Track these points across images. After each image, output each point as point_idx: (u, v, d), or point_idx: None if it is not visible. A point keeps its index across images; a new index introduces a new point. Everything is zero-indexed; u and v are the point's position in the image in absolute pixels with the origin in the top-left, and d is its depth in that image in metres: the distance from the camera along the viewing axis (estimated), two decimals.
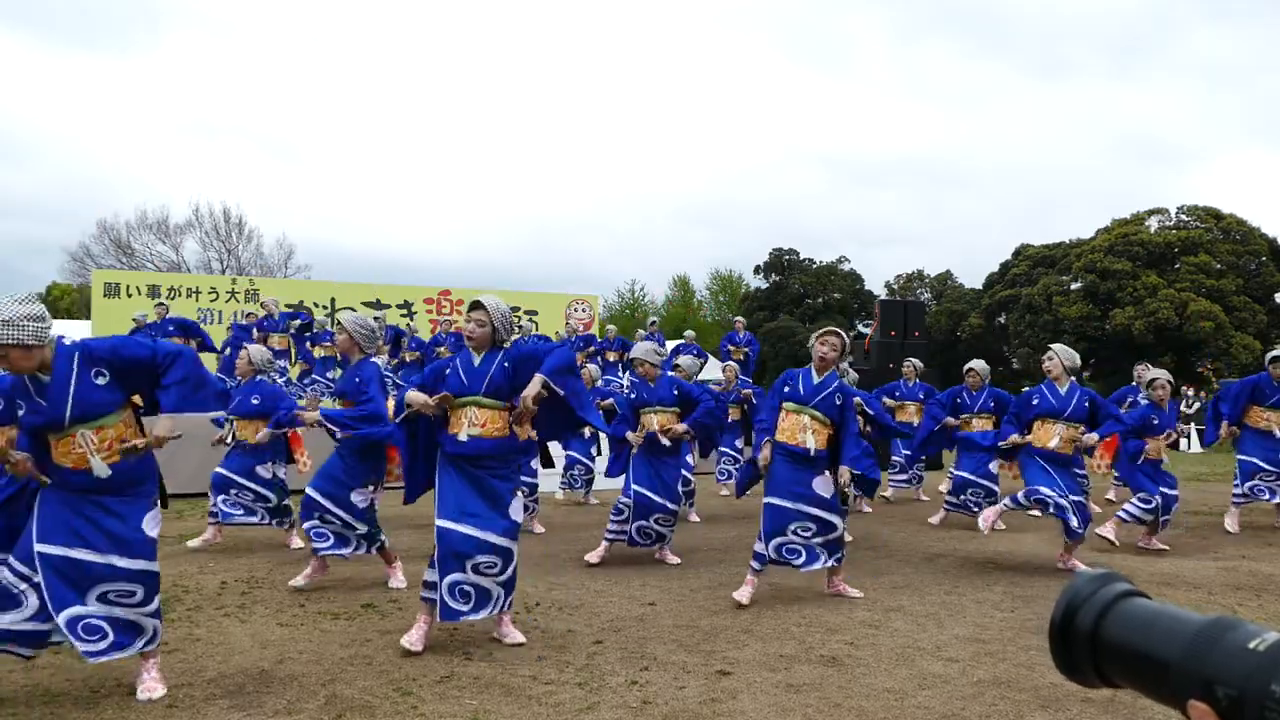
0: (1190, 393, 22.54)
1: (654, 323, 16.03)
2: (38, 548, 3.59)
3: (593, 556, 6.67)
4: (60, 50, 53.44)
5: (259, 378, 7.13)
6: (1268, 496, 8.39)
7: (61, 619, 3.56)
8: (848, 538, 7.91)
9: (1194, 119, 63.86)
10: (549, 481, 10.52)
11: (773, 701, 3.78)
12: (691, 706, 3.72)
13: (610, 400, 7.50)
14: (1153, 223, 36.42)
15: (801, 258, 46.15)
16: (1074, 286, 35.91)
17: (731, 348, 14.36)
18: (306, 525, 5.67)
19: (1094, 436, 6.48)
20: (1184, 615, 0.69)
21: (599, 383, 10.04)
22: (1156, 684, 0.68)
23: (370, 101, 62.12)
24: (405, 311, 16.56)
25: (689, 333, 15.29)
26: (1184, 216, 36.29)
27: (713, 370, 14.28)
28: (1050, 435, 6.45)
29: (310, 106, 60.44)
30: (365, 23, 62.97)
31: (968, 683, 4.04)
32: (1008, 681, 4.06)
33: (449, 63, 68.23)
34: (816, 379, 5.60)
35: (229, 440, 7.04)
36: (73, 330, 13.31)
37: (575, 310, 18.13)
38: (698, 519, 9.01)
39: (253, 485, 6.98)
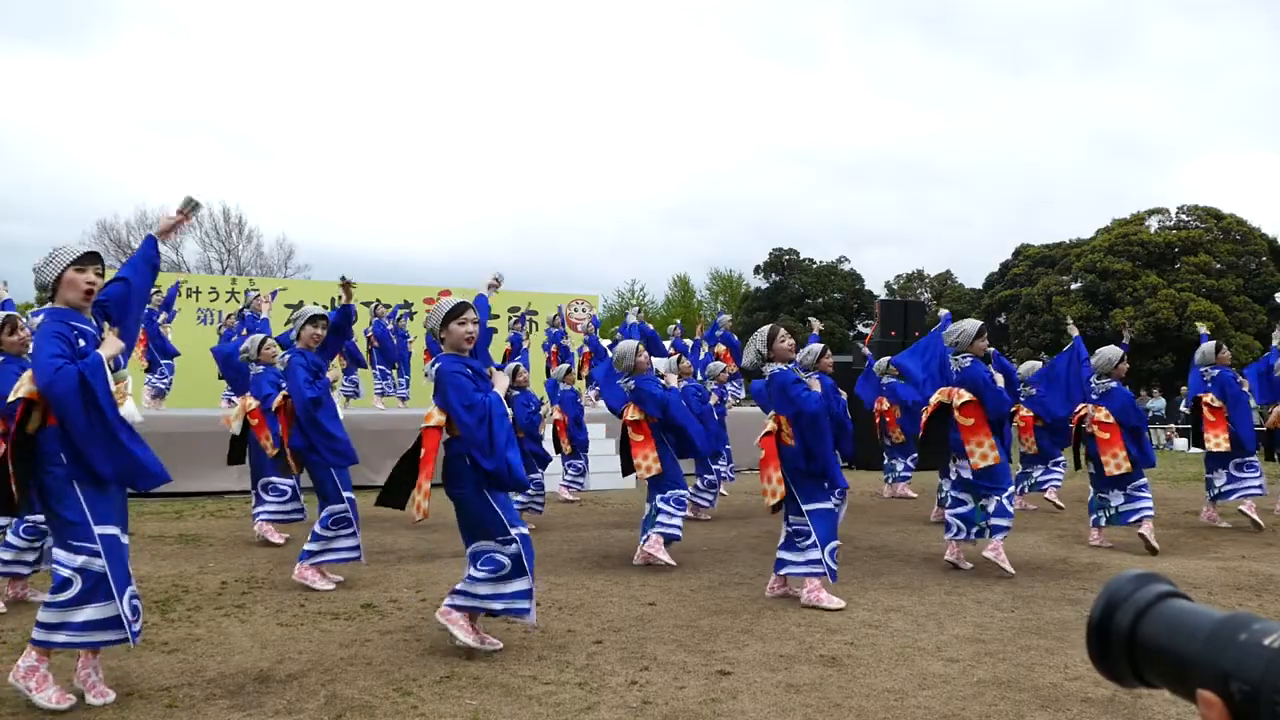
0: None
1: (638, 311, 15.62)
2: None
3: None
4: (21, 49, 53.12)
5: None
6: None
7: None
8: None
9: (1187, 115, 63.83)
10: (549, 482, 10.50)
11: (773, 701, 3.78)
12: (691, 706, 3.72)
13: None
14: (1153, 223, 36.44)
15: (802, 258, 46.19)
16: (1074, 286, 35.94)
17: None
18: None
19: None
20: (1208, 612, 0.69)
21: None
22: (1184, 683, 0.68)
23: (370, 103, 62.11)
24: (405, 311, 16.55)
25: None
26: (1184, 216, 36.31)
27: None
28: None
29: (310, 108, 60.44)
30: (367, 25, 63.02)
31: (968, 683, 4.04)
32: (1008, 681, 4.06)
33: (446, 66, 68.24)
34: None
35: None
36: None
37: (575, 310, 18.12)
38: (707, 518, 9.06)
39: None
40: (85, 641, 3.65)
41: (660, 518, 6.63)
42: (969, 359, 6.51)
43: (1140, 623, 0.71)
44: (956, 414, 6.52)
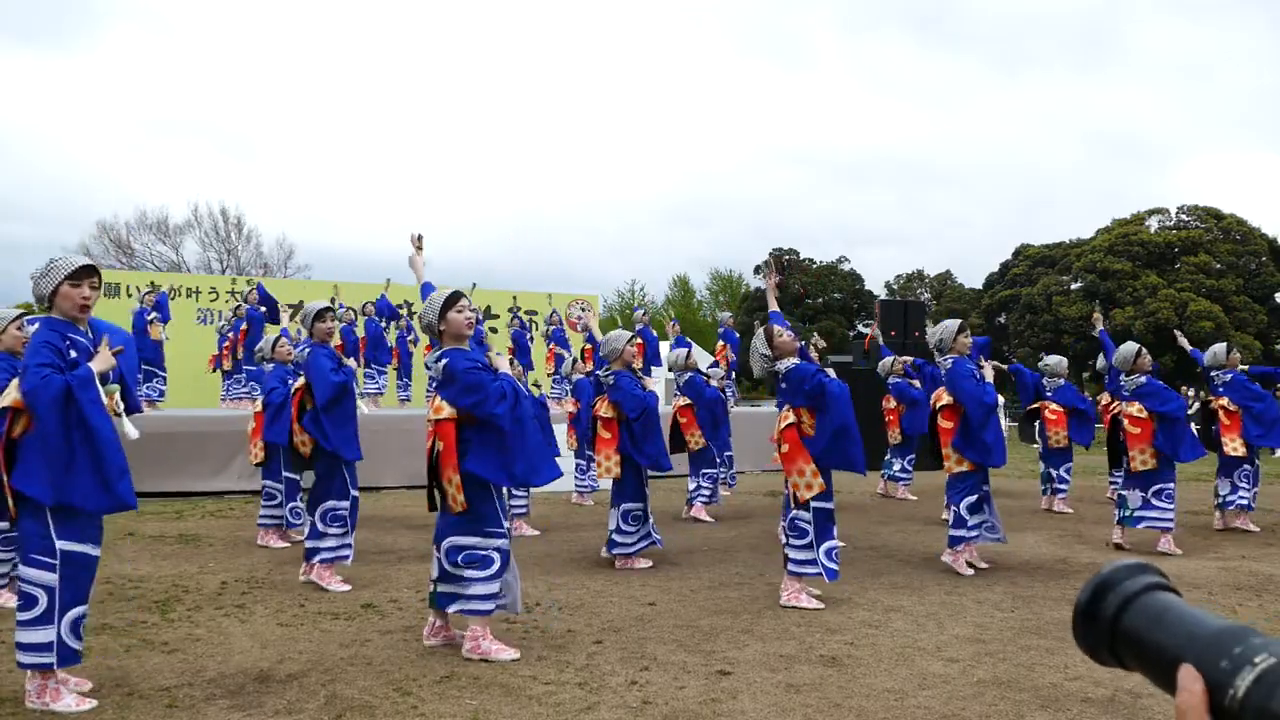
0: (1191, 393, 22.54)
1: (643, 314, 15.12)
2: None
3: None
4: (11, 48, 52.98)
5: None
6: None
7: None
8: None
9: (1186, 115, 63.92)
10: (562, 483, 10.41)
11: (773, 701, 3.78)
12: (691, 706, 3.72)
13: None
14: (1153, 223, 36.47)
15: (802, 258, 46.19)
16: (1074, 286, 35.97)
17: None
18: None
19: None
20: (1200, 618, 0.70)
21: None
22: (1165, 675, 0.69)
23: (370, 103, 62.20)
24: (406, 311, 16.53)
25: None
26: (1184, 216, 36.32)
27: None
28: None
29: (310, 108, 60.49)
30: (367, 25, 63.03)
31: (968, 683, 4.04)
32: (1008, 681, 4.06)
33: (445, 66, 68.37)
34: None
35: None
36: None
37: (575, 310, 18.13)
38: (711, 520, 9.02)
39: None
40: (36, 663, 3.60)
41: (616, 536, 6.54)
42: (951, 360, 6.50)
43: (1125, 611, 0.73)
44: (939, 417, 6.52)
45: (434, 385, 4.58)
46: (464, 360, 4.39)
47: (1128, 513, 7.40)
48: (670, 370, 9.29)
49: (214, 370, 13.24)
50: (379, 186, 62.19)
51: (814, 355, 7.41)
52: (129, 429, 3.91)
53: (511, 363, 7.68)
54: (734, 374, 14.55)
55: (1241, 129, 62.53)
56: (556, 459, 4.99)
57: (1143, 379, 7.47)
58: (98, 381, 3.63)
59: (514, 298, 18.17)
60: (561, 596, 5.62)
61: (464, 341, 4.52)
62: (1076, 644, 0.77)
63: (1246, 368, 8.99)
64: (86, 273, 3.77)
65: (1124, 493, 7.49)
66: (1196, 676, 0.65)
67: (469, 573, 4.36)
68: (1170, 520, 7.28)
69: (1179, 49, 63.33)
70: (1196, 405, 17.87)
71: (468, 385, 4.32)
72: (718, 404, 9.12)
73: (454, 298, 4.52)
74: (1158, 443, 7.26)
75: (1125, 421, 7.42)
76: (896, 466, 10.76)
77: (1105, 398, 10.05)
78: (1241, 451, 8.43)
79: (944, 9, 69.72)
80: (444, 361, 4.42)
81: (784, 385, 5.51)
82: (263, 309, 12.75)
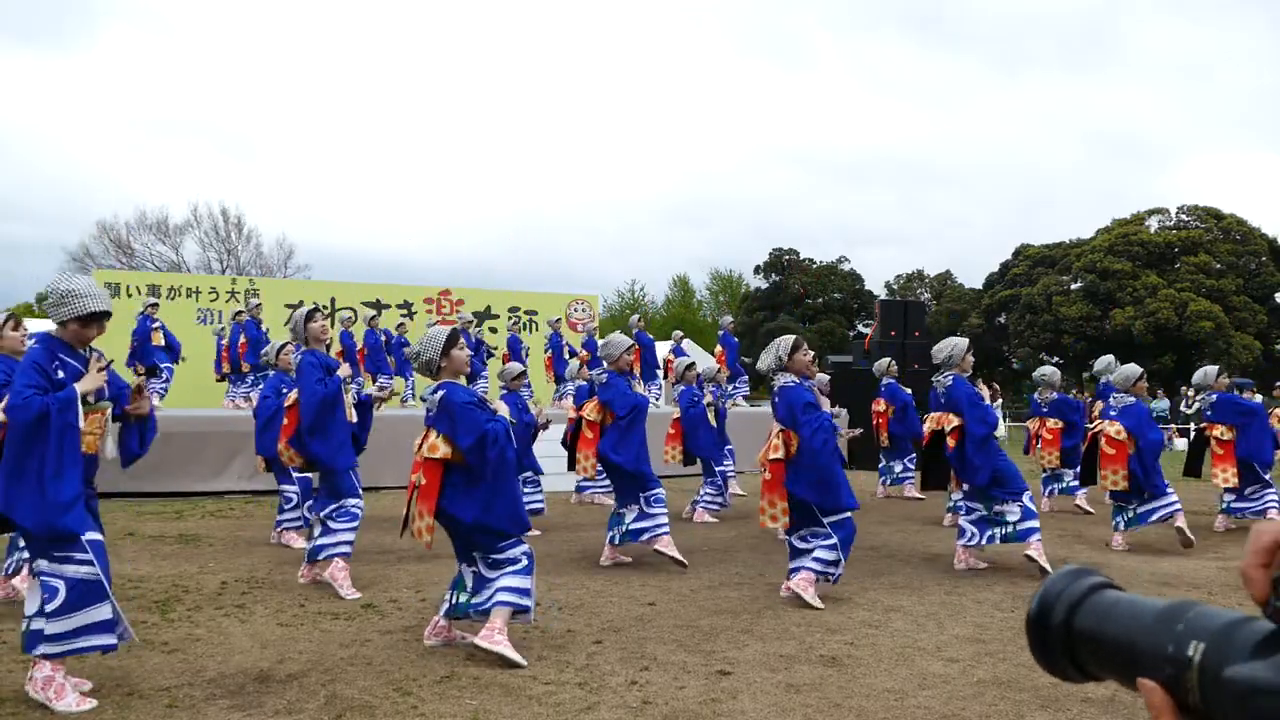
0: (1190, 393, 22.55)
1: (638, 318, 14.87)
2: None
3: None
4: (10, 48, 52.98)
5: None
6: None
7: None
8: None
9: (1186, 115, 63.91)
10: (565, 481, 10.44)
11: (773, 701, 3.78)
12: (691, 706, 3.72)
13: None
14: (1153, 223, 36.45)
15: (802, 258, 46.17)
16: (1074, 286, 35.95)
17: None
18: None
19: None
20: (1147, 603, 0.71)
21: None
22: (1125, 671, 0.70)
23: (370, 103, 62.21)
24: (405, 311, 16.51)
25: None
26: (1184, 216, 36.31)
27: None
28: None
29: (310, 108, 60.51)
30: (367, 25, 63.03)
31: (968, 683, 4.04)
32: (1008, 681, 4.06)
33: (445, 65, 68.37)
34: None
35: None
36: None
37: (575, 310, 18.11)
38: (716, 520, 9.01)
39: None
40: (86, 646, 3.69)
41: (640, 523, 6.53)
42: (951, 376, 6.52)
43: (1075, 616, 0.73)
44: (948, 439, 6.53)
45: (428, 418, 4.52)
46: (462, 394, 4.37)
47: (1131, 515, 7.41)
48: (673, 377, 9.38)
49: (221, 380, 13.32)
50: (379, 186, 62.29)
51: (817, 382, 7.29)
52: (109, 449, 3.93)
53: (522, 374, 7.71)
54: (735, 378, 14.53)
55: (1241, 129, 62.56)
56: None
57: (1132, 400, 7.50)
58: (79, 403, 3.67)
59: (502, 306, 18.08)
60: (561, 596, 5.62)
61: (461, 378, 4.53)
62: (1038, 664, 0.76)
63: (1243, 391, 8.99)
64: (99, 317, 3.82)
65: (1122, 503, 7.48)
66: (1154, 688, 0.66)
67: (497, 571, 4.37)
68: (1177, 504, 7.31)
69: (1179, 49, 63.29)
70: (1196, 405, 17.81)
71: (464, 423, 4.27)
72: (702, 419, 9.05)
73: (456, 335, 4.54)
74: (1133, 467, 7.28)
75: (1102, 441, 7.44)
76: (898, 469, 10.74)
77: (1100, 405, 10.00)
78: (1233, 483, 8.41)
79: (944, 9, 69.73)
80: (441, 394, 4.37)
81: (776, 398, 5.58)
82: (267, 329, 12.84)
